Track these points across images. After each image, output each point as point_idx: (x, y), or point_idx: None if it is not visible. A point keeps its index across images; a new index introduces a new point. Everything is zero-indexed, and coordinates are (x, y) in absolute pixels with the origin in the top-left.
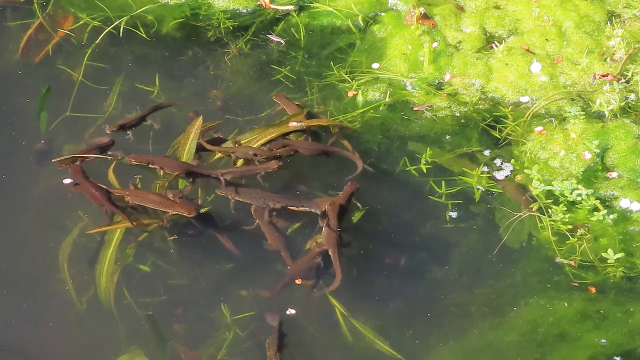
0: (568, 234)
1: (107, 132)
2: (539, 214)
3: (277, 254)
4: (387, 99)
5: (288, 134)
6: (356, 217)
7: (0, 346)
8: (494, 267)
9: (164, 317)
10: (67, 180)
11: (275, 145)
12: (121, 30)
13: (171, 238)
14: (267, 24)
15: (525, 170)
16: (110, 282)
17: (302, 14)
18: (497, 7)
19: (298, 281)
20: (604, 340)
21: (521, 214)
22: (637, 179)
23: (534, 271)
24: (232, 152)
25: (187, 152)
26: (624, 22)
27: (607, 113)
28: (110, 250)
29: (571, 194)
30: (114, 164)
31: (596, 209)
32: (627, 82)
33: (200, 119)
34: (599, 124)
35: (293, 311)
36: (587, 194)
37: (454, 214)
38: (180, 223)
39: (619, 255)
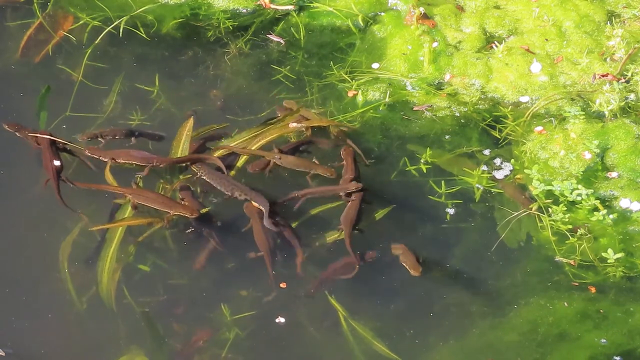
0: (568, 234)
1: (79, 140)
2: (539, 213)
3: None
4: (387, 99)
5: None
6: (380, 214)
7: (0, 346)
8: (494, 267)
9: (164, 317)
10: (57, 162)
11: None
12: (121, 30)
13: (188, 231)
14: (267, 24)
15: (525, 170)
16: (112, 280)
17: (302, 13)
18: (497, 7)
19: (283, 285)
20: (604, 340)
21: (520, 212)
22: (637, 179)
23: (534, 271)
24: (272, 159)
25: (179, 154)
26: (624, 22)
27: (607, 113)
28: (111, 248)
29: (571, 194)
30: (109, 164)
31: (596, 209)
32: (627, 82)
33: (192, 120)
34: (599, 124)
35: (282, 319)
36: (587, 194)
37: (453, 214)
38: (181, 223)
39: (619, 255)
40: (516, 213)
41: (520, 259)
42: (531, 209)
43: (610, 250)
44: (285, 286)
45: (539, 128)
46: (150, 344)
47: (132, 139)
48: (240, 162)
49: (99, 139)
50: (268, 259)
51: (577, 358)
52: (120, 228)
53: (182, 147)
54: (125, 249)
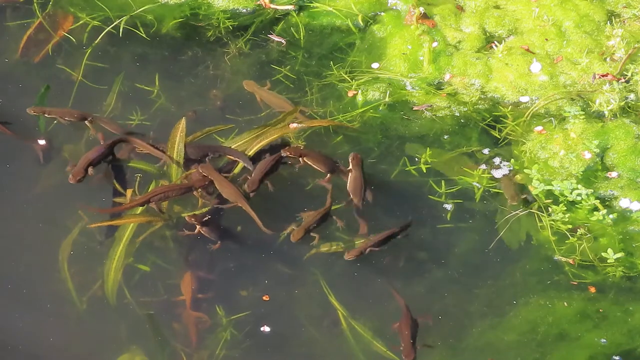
0: (568, 234)
1: (28, 111)
2: (538, 212)
3: (274, 250)
4: (386, 99)
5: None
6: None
7: (1, 346)
8: (494, 267)
9: (164, 317)
10: (42, 141)
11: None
12: (121, 30)
13: (205, 219)
14: (267, 24)
15: (525, 170)
16: (115, 280)
17: (301, 13)
18: (497, 7)
19: (265, 298)
20: (604, 340)
21: (519, 211)
22: (637, 179)
23: (534, 271)
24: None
25: (175, 155)
26: (624, 22)
27: (606, 113)
28: (120, 247)
29: (571, 193)
30: (108, 167)
31: (596, 209)
32: (627, 81)
33: (183, 121)
34: (599, 123)
35: (268, 328)
36: (586, 194)
37: (453, 213)
38: (181, 223)
39: (619, 254)
40: (516, 212)
41: (520, 258)
42: (520, 206)
43: (610, 250)
44: (267, 299)
45: (539, 128)
46: (150, 344)
47: (86, 122)
48: (237, 169)
49: (46, 115)
50: (245, 205)
51: (577, 358)
52: (130, 226)
53: (177, 149)
54: (128, 249)
